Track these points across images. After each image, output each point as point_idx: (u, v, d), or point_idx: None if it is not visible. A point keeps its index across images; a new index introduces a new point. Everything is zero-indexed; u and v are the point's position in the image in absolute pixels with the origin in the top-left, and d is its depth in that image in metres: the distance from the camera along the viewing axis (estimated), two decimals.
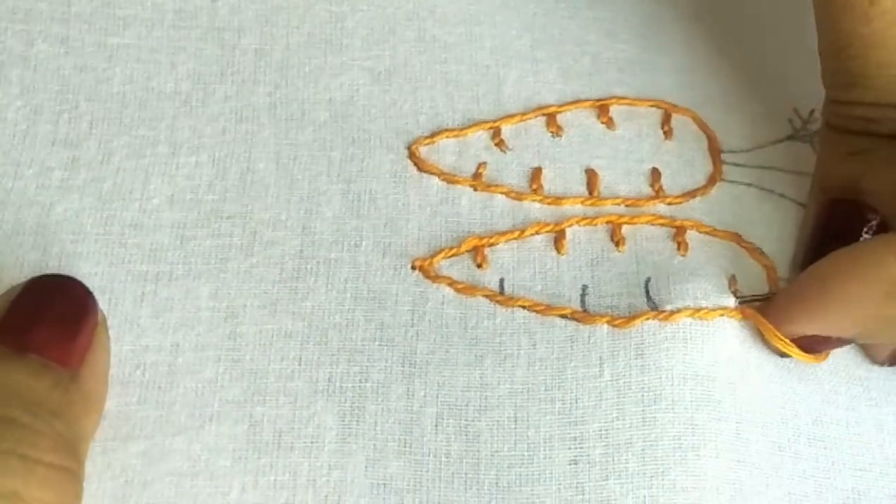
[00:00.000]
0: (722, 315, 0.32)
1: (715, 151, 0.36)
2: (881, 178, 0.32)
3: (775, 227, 0.35)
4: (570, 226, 0.34)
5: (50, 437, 0.25)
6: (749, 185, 0.36)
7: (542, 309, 0.32)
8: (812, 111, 0.38)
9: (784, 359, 0.32)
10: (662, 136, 0.37)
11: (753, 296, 0.33)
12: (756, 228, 0.35)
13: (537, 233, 0.34)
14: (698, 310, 0.32)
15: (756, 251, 0.34)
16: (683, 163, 0.36)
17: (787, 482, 0.30)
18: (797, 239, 0.35)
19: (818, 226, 0.33)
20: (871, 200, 0.32)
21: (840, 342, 0.31)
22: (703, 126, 0.37)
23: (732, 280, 0.33)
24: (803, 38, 0.39)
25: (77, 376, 0.27)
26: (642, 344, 0.31)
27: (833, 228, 0.32)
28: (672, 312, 0.32)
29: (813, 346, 0.31)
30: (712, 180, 0.36)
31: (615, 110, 0.37)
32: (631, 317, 0.32)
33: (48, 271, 0.32)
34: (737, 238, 0.34)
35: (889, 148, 0.32)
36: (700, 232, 0.34)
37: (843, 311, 0.30)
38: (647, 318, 0.32)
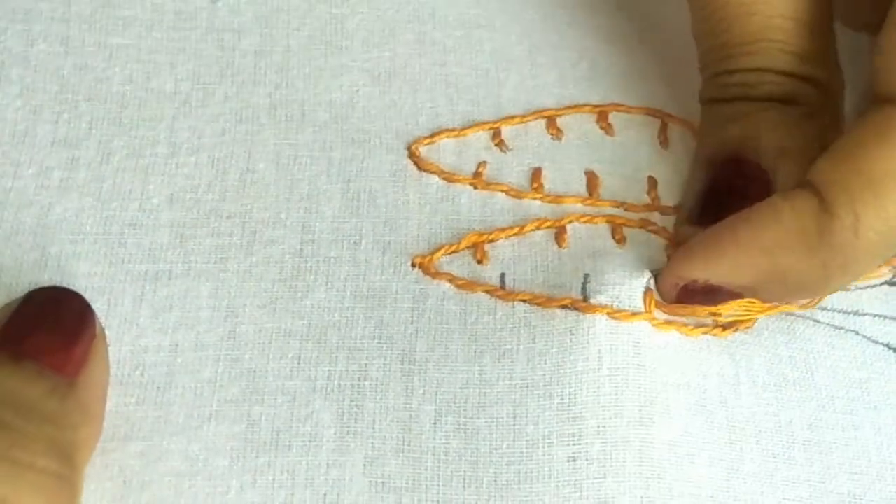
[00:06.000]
0: (705, 333, 0.32)
1: None
2: (762, 139, 0.33)
3: None
4: (570, 222, 0.34)
5: (42, 442, 0.25)
6: None
7: (543, 301, 0.32)
8: None
9: (780, 368, 0.32)
10: (659, 146, 0.37)
11: None
12: None
13: (538, 228, 0.34)
14: (684, 325, 0.32)
15: None
16: (678, 174, 0.36)
17: (781, 488, 0.30)
18: (684, 196, 0.35)
19: (707, 186, 0.34)
20: (755, 161, 0.33)
21: (728, 295, 0.31)
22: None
23: None
24: None
25: (74, 384, 0.27)
26: (639, 343, 0.31)
27: (722, 188, 0.33)
28: (663, 322, 0.32)
29: (694, 296, 0.32)
30: None
31: (613, 117, 0.37)
32: (631, 313, 0.32)
33: (47, 271, 0.32)
34: None
35: (766, 110, 0.33)
36: None
37: (743, 256, 0.31)
38: (643, 320, 0.32)
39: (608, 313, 0.32)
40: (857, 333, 0.33)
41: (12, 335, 0.27)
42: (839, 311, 0.34)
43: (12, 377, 0.26)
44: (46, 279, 0.32)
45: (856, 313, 0.34)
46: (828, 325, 0.33)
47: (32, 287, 0.30)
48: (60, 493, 0.25)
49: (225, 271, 0.33)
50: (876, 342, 0.33)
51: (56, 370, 0.26)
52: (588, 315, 0.32)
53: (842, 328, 0.33)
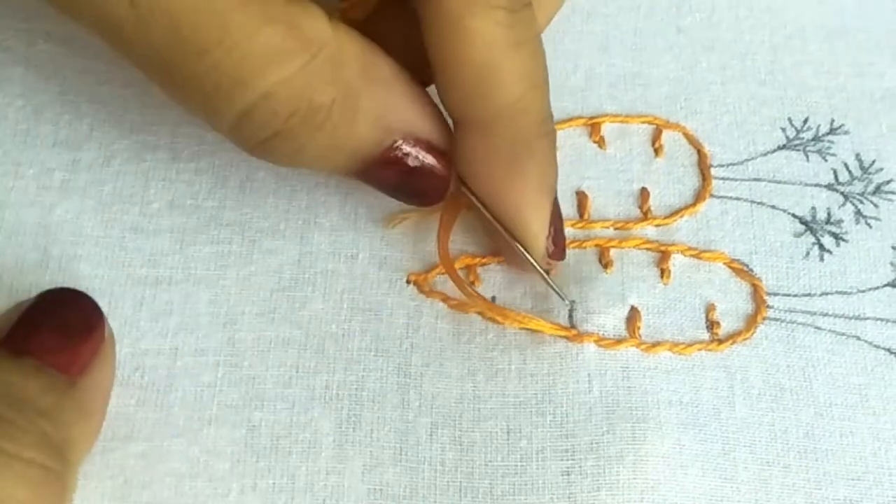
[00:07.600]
0: (699, 350, 0.33)
1: (705, 167, 0.37)
2: None
3: (765, 240, 0.35)
4: None
5: (33, 435, 0.25)
6: (738, 199, 0.36)
7: (533, 325, 0.33)
8: (806, 119, 0.38)
9: (777, 377, 0.33)
10: (653, 154, 0.37)
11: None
12: (745, 243, 0.35)
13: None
14: (676, 344, 0.33)
15: (742, 270, 0.35)
16: (673, 181, 0.36)
17: (776, 495, 0.31)
18: None
19: None
20: None
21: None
22: (693, 142, 0.37)
23: (711, 309, 0.34)
24: (794, 46, 0.40)
25: (74, 384, 0.27)
26: (627, 368, 0.32)
27: None
28: (653, 345, 0.33)
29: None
30: (700, 198, 0.36)
31: (607, 128, 0.37)
32: (616, 340, 0.33)
33: (48, 272, 0.33)
34: (723, 258, 0.35)
35: None
36: (685, 255, 0.35)
37: None
38: (630, 346, 0.33)
39: (595, 341, 0.33)
40: (858, 339, 0.34)
41: (19, 333, 0.27)
42: (841, 317, 0.34)
43: (10, 371, 0.26)
44: (48, 280, 0.33)
45: (857, 318, 0.34)
46: (829, 331, 0.34)
47: (34, 288, 0.30)
48: (46, 485, 0.25)
49: (224, 278, 0.33)
50: (877, 347, 0.34)
51: (59, 370, 0.27)
52: (576, 343, 0.33)
53: (843, 334, 0.34)
